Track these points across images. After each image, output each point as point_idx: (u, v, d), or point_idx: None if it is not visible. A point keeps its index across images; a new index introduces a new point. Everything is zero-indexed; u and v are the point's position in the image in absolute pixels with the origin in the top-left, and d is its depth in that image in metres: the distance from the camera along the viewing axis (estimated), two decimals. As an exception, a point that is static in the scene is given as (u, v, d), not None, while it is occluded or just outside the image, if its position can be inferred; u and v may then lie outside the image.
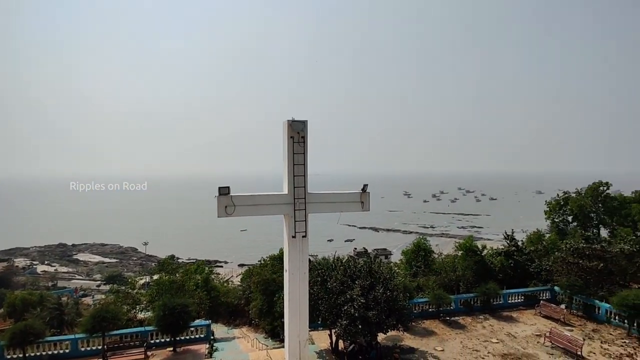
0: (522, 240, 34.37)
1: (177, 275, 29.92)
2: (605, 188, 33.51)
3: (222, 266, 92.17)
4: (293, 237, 11.83)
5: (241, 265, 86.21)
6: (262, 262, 33.12)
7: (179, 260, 71.04)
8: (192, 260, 73.57)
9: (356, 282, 17.83)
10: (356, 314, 16.32)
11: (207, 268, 38.38)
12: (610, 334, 21.34)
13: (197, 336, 21.34)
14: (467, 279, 27.61)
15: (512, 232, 31.59)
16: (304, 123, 11.80)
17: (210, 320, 23.58)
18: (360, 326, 16.25)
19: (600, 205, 33.17)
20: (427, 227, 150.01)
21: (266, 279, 26.16)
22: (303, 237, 11.98)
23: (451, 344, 20.23)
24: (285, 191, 11.90)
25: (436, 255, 33.00)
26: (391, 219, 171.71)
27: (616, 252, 24.32)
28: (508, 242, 31.19)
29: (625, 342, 20.39)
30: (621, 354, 18.99)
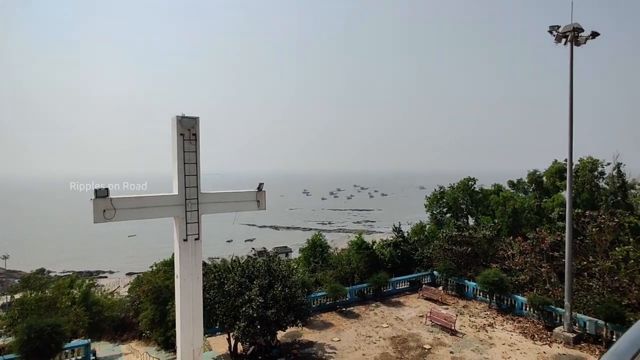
0: (407, 232, 37.90)
1: (46, 291, 25.92)
2: (472, 183, 38.89)
3: (106, 277, 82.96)
4: (185, 240, 11.13)
5: (130, 274, 78.67)
6: (154, 268, 30.75)
7: (50, 274, 61.82)
8: (67, 273, 64.53)
9: (255, 282, 17.63)
10: (255, 315, 16.13)
11: (87, 280, 34.11)
12: (476, 308, 24.85)
13: (74, 359, 18.78)
14: (360, 270, 29.41)
15: (399, 225, 34.65)
16: (195, 120, 11.18)
17: (90, 339, 20.98)
18: (259, 326, 16.11)
19: (468, 197, 38.34)
20: (326, 224, 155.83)
21: (158, 286, 24.33)
22: (196, 239, 11.35)
23: (347, 333, 21.32)
24: (176, 192, 11.13)
25: (332, 250, 34.45)
26: (292, 216, 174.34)
27: (480, 238, 28.44)
28: (396, 234, 34.13)
29: (487, 313, 23.95)
30: (484, 324, 22.24)
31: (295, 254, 72.68)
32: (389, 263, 31.28)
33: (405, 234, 35.89)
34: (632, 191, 32.14)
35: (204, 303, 19.93)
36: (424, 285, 27.91)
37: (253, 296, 16.63)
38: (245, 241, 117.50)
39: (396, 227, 34.13)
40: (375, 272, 27.54)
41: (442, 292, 27.06)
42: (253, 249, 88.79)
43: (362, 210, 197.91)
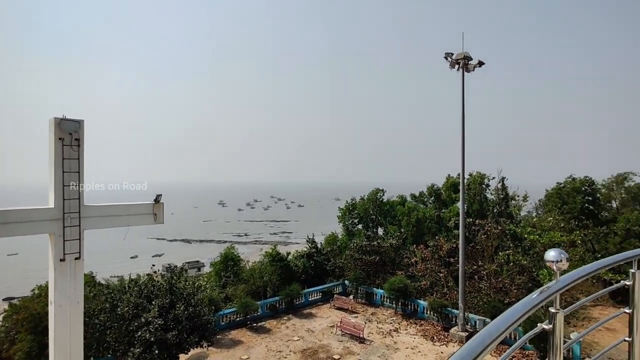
0: (321, 243, 38.48)
1: None
2: (381, 194, 40.98)
3: (-25, 305, 69.82)
4: (62, 260, 9.65)
5: (8, 299, 67.30)
6: (35, 292, 26.66)
7: None
8: None
9: (154, 302, 16.14)
10: (152, 338, 14.70)
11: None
12: (384, 315, 25.95)
13: None
14: (274, 283, 28.91)
15: (313, 236, 34.97)
16: (78, 123, 9.84)
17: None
18: (157, 351, 14.70)
19: (378, 208, 40.30)
20: (242, 235, 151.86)
21: (36, 313, 21.06)
22: (76, 259, 9.92)
23: (257, 349, 20.60)
24: (51, 204, 9.64)
25: (244, 264, 33.44)
26: (205, 229, 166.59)
27: (387, 247, 29.96)
28: (310, 245, 34.37)
29: (393, 319, 25.13)
30: (390, 330, 23.27)
31: (207, 269, 69.19)
32: (303, 274, 31.29)
33: (319, 245, 36.38)
34: (513, 202, 36.85)
35: (93, 329, 17.79)
36: (335, 295, 28.39)
37: (151, 318, 15.17)
38: (153, 256, 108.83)
39: (310, 239, 34.38)
40: (288, 284, 27.28)
41: (352, 301, 27.77)
42: (153, 266, 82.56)
43: (279, 221, 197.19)
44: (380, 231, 41.11)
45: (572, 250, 24.46)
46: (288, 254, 33.24)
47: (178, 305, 16.17)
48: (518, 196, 37.11)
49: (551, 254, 2.36)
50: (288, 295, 26.09)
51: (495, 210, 34.76)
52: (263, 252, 32.89)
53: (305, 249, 34.81)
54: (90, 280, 25.48)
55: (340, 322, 23.07)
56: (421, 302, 25.20)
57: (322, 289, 29.21)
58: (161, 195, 11.52)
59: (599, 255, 27.71)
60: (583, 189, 34.45)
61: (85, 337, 12.04)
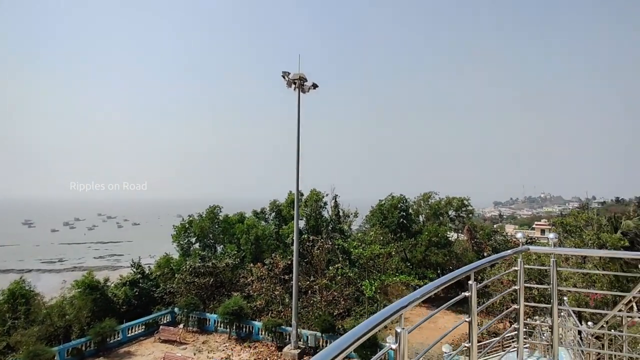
0: (150, 266, 34.12)
1: None
2: (219, 210, 39.06)
3: None
4: None
5: None
6: None
7: None
8: None
9: None
10: None
11: None
12: (217, 341, 24.05)
13: None
14: (81, 320, 23.82)
15: (139, 259, 30.68)
16: None
17: None
18: None
19: (217, 226, 38.26)
20: (55, 261, 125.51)
21: None
22: None
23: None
24: None
25: (41, 299, 26.76)
26: (4, 255, 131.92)
27: (223, 267, 28.30)
28: (134, 269, 29.97)
29: (226, 345, 23.48)
30: (222, 358, 21.58)
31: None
32: (124, 305, 26.89)
33: (148, 269, 32.13)
34: (348, 218, 39.99)
35: None
36: (161, 327, 25.04)
37: None
38: None
39: (135, 262, 30.00)
40: (103, 320, 22.78)
41: (182, 330, 24.95)
42: None
43: (108, 242, 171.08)
44: (221, 250, 39.09)
45: (389, 260, 27.57)
46: (106, 280, 28.05)
47: None
48: (351, 213, 40.49)
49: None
50: (99, 334, 21.71)
51: (329, 226, 36.97)
52: (73, 281, 26.75)
53: (129, 275, 30.17)
54: None
55: (164, 357, 20.26)
56: (256, 323, 24.34)
57: (145, 320, 25.46)
58: None
59: (409, 264, 32.12)
60: (399, 205, 39.86)
61: None
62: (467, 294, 3.33)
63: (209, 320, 25.88)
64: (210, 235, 37.62)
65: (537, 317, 22.25)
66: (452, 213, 41.44)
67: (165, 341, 23.80)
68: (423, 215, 42.62)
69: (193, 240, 37.40)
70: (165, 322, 26.44)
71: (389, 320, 2.16)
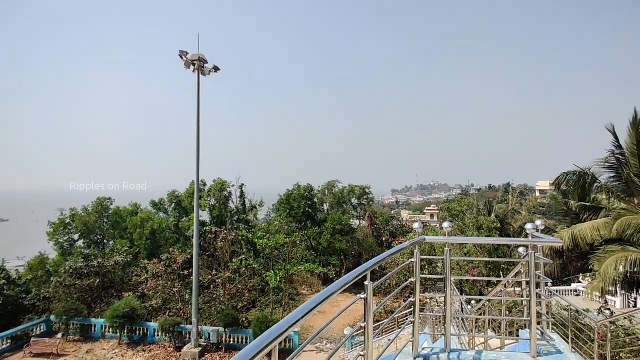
0: (18, 269, 29.18)
1: None
2: (109, 203, 35.03)
3: None
4: None
5: None
6: None
7: None
8: None
9: None
10: None
11: None
12: (104, 349, 21.55)
13: None
14: None
15: (2, 262, 25.94)
16: None
17: None
18: None
19: (106, 220, 34.27)
20: None
21: None
22: None
23: None
24: None
25: None
26: None
27: (111, 266, 25.39)
28: (-4, 275, 25.20)
29: (116, 352, 21.17)
30: (110, 366, 19.39)
31: None
32: (-18, 318, 22.46)
33: (15, 273, 27.39)
34: (254, 209, 38.96)
35: None
36: (32, 339, 21.49)
37: None
38: None
39: (-3, 266, 25.27)
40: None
41: (60, 341, 21.73)
42: None
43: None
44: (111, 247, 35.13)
45: (294, 249, 27.64)
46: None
47: None
48: (258, 203, 39.54)
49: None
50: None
51: (234, 217, 35.70)
52: None
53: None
54: None
55: (35, 375, 17.41)
56: (152, 324, 22.38)
57: (12, 333, 21.64)
58: None
59: (315, 252, 32.71)
60: (306, 194, 40.26)
61: None
62: (362, 296, 3.18)
63: (95, 326, 23.05)
64: (98, 231, 33.56)
65: (426, 294, 24.45)
66: (354, 201, 43.26)
67: (37, 355, 20.53)
68: (327, 204, 43.75)
69: (76, 237, 32.96)
70: (38, 333, 22.81)
71: (288, 331, 1.99)
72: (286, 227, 30.28)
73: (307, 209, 39.54)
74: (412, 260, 4.52)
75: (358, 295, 3.23)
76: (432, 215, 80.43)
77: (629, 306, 26.70)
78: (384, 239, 37.24)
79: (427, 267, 25.97)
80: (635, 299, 25.62)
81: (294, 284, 29.92)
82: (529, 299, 4.71)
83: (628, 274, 12.48)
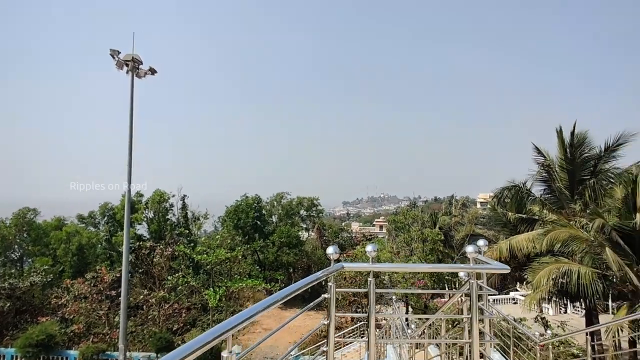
0: None
1: None
2: (33, 215, 31.54)
3: None
4: None
5: None
6: None
7: None
8: None
9: None
10: None
11: None
12: (12, 384, 18.82)
13: None
14: None
15: None
16: None
17: None
18: None
19: (26, 234, 30.78)
20: None
21: None
22: None
23: None
24: None
25: None
26: None
27: (27, 287, 22.51)
28: None
29: (26, 387, 18.56)
30: (17, 405, 16.84)
31: None
32: None
33: None
34: (197, 221, 36.83)
35: None
36: None
37: None
38: None
39: None
40: None
41: (-44, 377, 18.72)
42: None
43: None
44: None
45: (236, 264, 26.24)
46: None
47: None
48: (202, 215, 37.46)
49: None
50: None
51: (175, 230, 33.52)
52: None
53: None
54: None
55: None
56: (72, 352, 19.92)
57: None
58: None
59: (261, 267, 31.44)
60: (254, 205, 38.98)
61: None
62: (326, 295, 3.40)
63: (4, 356, 20.13)
64: (16, 247, 30.00)
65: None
66: (303, 213, 42.60)
67: None
68: (276, 216, 42.73)
69: (-11, 254, 29.18)
70: None
71: (218, 339, 1.91)
72: (229, 241, 28.79)
73: (255, 220, 38.28)
74: (326, 296, 3.52)
75: (321, 321, 3.54)
76: (381, 227, 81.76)
77: (560, 312, 28.23)
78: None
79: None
80: (566, 304, 27.13)
81: (240, 300, 28.45)
82: (469, 316, 4.10)
83: (559, 284, 12.88)
